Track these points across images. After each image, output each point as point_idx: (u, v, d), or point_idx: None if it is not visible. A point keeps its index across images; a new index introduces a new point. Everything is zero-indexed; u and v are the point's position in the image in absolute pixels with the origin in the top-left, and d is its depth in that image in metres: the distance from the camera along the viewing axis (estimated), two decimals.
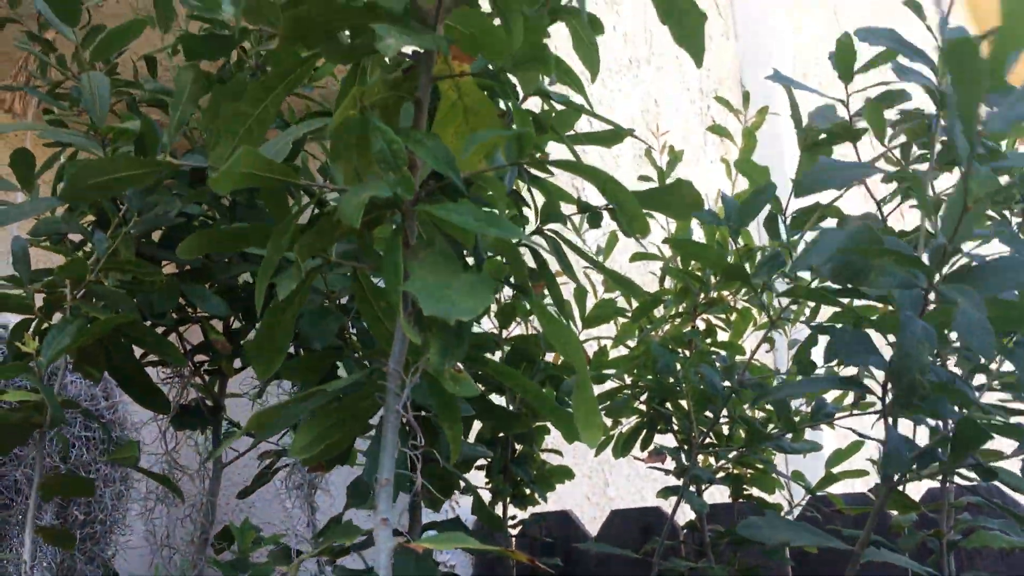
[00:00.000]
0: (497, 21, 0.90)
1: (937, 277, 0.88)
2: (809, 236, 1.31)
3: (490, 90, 1.01)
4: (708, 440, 1.89)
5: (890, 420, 0.96)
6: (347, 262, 0.93)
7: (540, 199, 1.27)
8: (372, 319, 0.96)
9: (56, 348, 1.16)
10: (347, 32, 0.90)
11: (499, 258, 1.22)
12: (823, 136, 1.25)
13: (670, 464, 1.87)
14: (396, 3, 0.81)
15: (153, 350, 1.32)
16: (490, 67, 0.95)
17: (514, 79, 1.00)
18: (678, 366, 1.84)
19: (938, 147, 1.05)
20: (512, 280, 1.15)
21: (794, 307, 1.61)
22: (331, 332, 1.14)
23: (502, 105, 1.05)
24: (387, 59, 0.95)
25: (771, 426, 1.82)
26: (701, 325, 2.01)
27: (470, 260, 0.93)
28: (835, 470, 1.89)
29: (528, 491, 1.98)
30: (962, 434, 0.91)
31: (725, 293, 1.95)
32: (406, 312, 0.82)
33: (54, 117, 1.55)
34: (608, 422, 1.98)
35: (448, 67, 0.94)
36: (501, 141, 0.86)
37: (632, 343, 2.01)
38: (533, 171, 1.17)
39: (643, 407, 1.97)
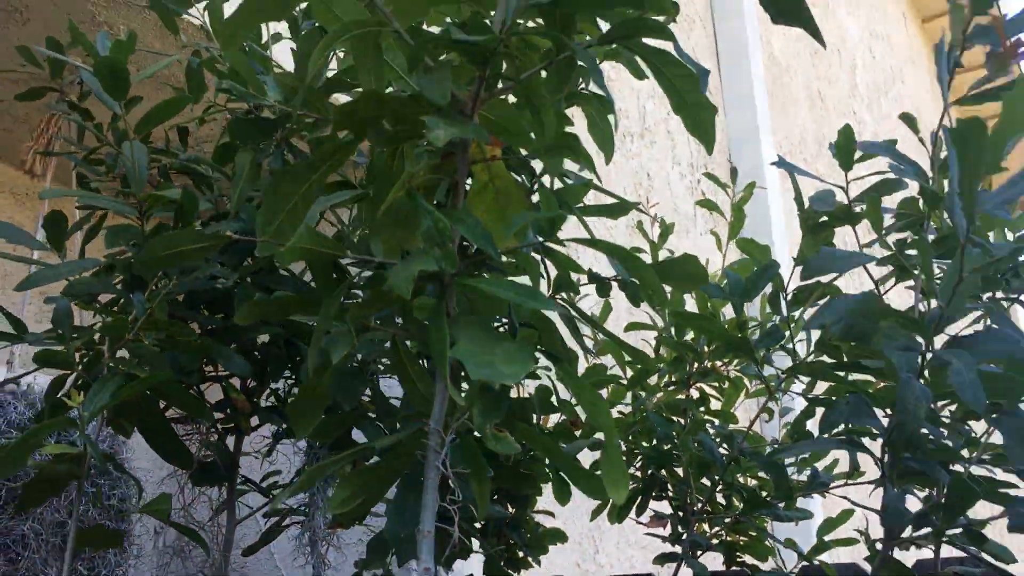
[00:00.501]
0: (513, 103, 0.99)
1: (933, 341, 0.97)
2: (809, 312, 1.39)
3: (515, 170, 1.10)
4: (702, 507, 1.95)
5: (887, 482, 1.03)
6: (387, 328, 1.01)
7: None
8: (408, 382, 1.02)
9: (98, 403, 1.22)
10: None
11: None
12: (823, 219, 1.34)
13: (667, 530, 1.93)
14: (441, 97, 0.89)
15: (182, 407, 1.38)
16: (521, 151, 1.04)
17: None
18: (675, 434, 1.90)
19: (931, 237, 1.14)
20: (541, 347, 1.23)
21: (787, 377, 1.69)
22: (359, 394, 1.21)
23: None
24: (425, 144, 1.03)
25: (764, 494, 1.88)
26: (694, 393, 2.08)
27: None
28: (827, 538, 1.95)
29: (521, 554, 2.01)
30: (954, 493, 0.98)
31: (718, 363, 2.03)
32: (439, 375, 0.90)
33: (89, 182, 1.63)
34: None
35: (481, 151, 1.03)
36: (535, 221, 0.95)
37: (624, 407, 2.07)
38: (550, 244, 1.25)
39: (639, 473, 2.03)
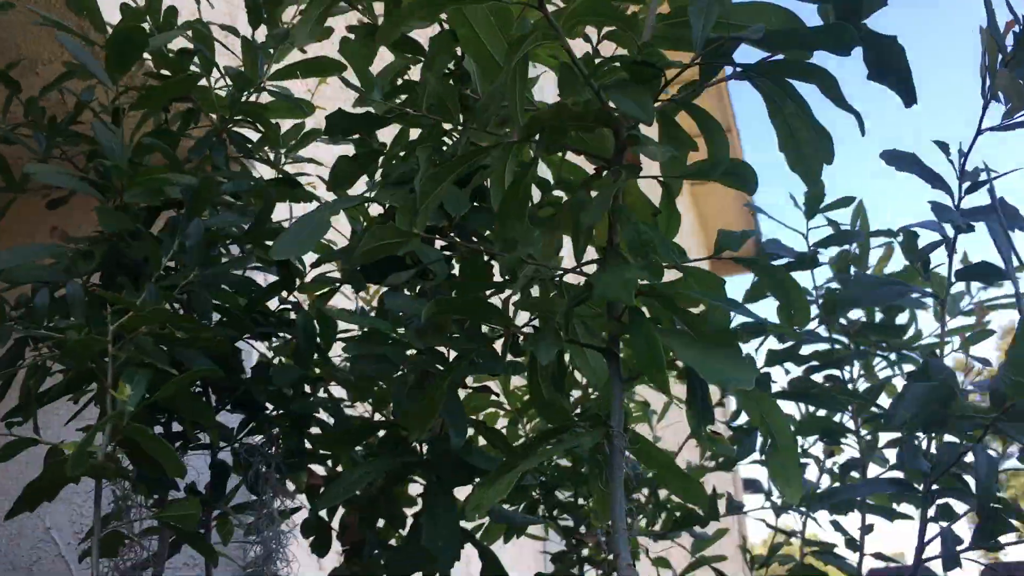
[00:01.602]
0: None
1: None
2: None
3: None
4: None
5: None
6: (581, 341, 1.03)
7: None
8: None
9: (137, 397, 1.12)
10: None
11: None
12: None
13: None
14: (645, 115, 0.94)
15: (191, 414, 1.30)
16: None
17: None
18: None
19: None
20: None
21: None
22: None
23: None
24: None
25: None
26: None
27: None
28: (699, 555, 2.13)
29: None
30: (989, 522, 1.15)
31: None
32: (615, 382, 0.94)
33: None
34: None
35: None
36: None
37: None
38: None
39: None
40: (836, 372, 1.90)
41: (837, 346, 1.79)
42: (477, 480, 1.24)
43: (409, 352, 1.33)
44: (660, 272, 0.92)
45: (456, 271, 1.26)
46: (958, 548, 1.21)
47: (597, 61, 1.04)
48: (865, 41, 0.97)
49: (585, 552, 2.08)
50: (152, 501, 1.33)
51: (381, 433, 1.46)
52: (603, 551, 2.07)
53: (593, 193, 1.02)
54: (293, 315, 1.66)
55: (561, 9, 1.01)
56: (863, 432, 1.79)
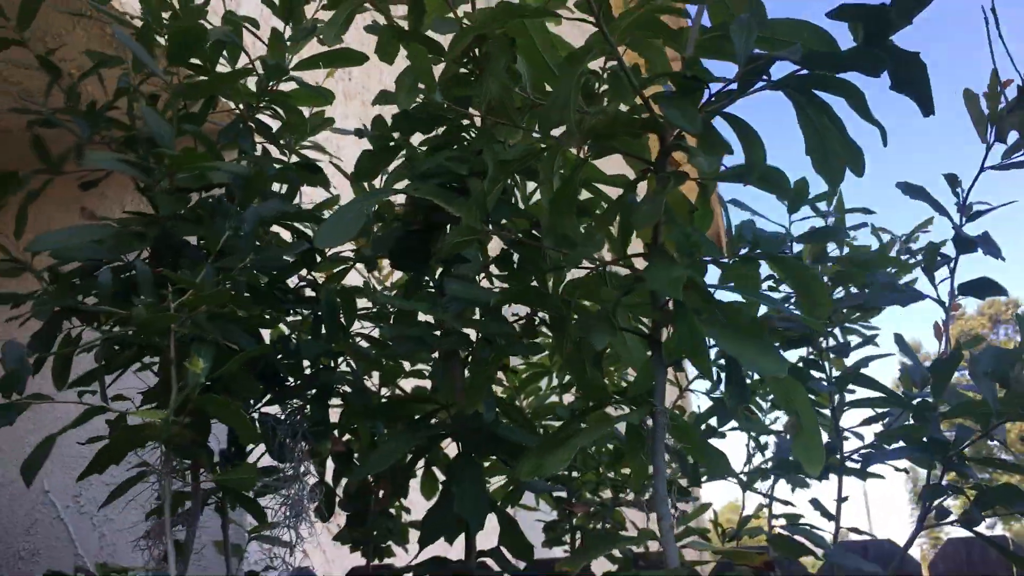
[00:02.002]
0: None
1: None
2: None
3: None
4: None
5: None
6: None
7: None
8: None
9: (207, 370, 1.21)
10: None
11: None
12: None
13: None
14: (693, 125, 1.03)
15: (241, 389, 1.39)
16: None
17: None
18: None
19: None
20: None
21: None
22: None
23: None
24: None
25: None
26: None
27: None
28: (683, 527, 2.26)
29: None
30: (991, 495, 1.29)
31: None
32: (656, 364, 1.05)
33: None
34: None
35: None
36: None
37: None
38: None
39: None
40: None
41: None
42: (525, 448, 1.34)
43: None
44: (704, 270, 1.03)
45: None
46: (944, 521, 1.35)
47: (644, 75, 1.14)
48: (890, 56, 1.07)
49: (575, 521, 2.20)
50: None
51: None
52: (592, 521, 2.19)
53: (640, 193, 1.12)
54: (309, 292, 1.75)
55: (615, 24, 1.10)
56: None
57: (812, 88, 1.11)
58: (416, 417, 1.51)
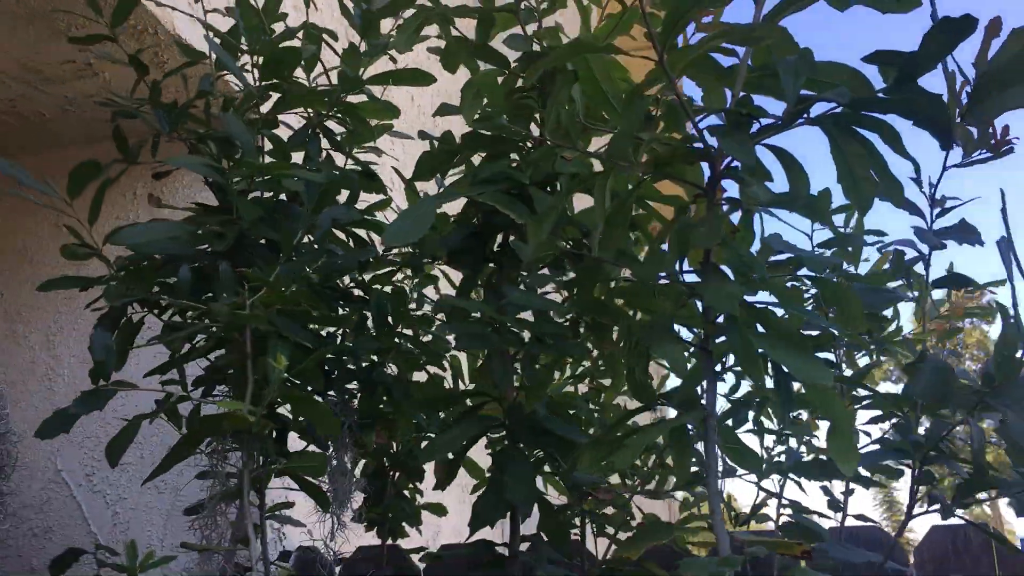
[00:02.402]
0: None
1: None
2: None
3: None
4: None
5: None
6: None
7: None
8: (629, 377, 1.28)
9: (286, 366, 1.32)
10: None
11: None
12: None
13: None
14: (749, 157, 1.15)
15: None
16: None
17: None
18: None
19: None
20: None
21: None
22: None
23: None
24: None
25: None
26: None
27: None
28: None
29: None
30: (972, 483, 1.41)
31: None
32: (707, 373, 1.17)
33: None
34: None
35: None
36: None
37: None
38: None
39: None
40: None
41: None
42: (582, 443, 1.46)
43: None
44: (757, 289, 1.15)
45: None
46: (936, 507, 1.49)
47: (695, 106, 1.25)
48: (919, 97, 1.20)
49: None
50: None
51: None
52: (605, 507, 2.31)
53: (692, 214, 1.25)
54: (357, 292, 1.86)
55: (674, 61, 1.22)
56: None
57: (851, 125, 1.23)
58: (468, 408, 1.63)
